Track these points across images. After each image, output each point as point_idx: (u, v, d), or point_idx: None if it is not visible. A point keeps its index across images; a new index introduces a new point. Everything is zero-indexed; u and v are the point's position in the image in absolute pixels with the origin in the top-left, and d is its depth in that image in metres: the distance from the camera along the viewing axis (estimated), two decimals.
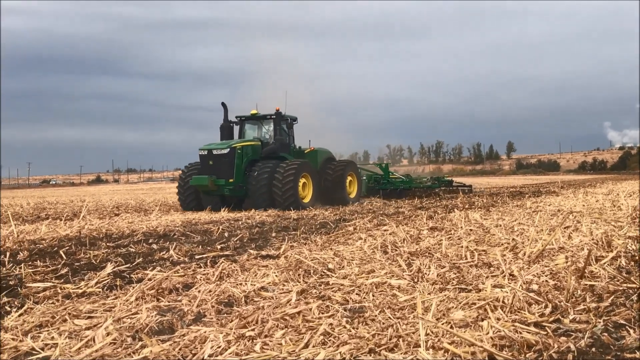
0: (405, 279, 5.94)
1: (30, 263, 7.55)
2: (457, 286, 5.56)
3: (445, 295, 5.13)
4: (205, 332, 4.27)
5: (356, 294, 5.37)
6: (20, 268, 7.09)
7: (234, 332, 4.24)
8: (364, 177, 24.91)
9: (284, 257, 7.57)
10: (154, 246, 9.24)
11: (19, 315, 4.95)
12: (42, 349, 4.04)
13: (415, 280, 5.93)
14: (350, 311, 4.78)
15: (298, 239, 9.67)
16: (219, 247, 8.94)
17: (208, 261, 7.48)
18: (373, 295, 5.29)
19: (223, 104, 20.35)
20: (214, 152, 18.91)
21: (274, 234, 10.69)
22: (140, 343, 4.10)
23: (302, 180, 19.11)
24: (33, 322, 4.69)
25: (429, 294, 5.29)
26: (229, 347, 3.96)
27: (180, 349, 3.97)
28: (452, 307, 4.78)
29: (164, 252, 8.42)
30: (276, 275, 6.29)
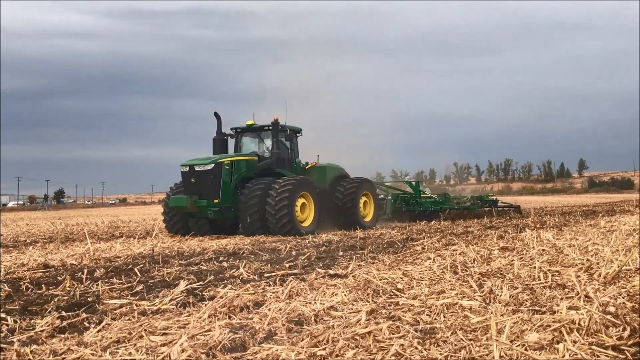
0: (477, 300, 5.85)
1: (106, 280, 7.81)
2: (530, 308, 5.44)
3: (518, 317, 5.02)
4: (277, 350, 4.32)
5: (427, 314, 5.32)
6: (97, 285, 7.34)
7: (305, 351, 4.27)
8: (389, 197, 22.63)
9: (352, 276, 7.57)
10: (224, 264, 9.40)
11: (98, 332, 5.11)
12: None
13: (487, 301, 5.83)
14: (421, 332, 4.75)
15: (365, 258, 9.66)
16: (287, 265, 9.02)
17: (277, 279, 7.55)
18: (444, 316, 5.23)
19: (216, 114, 18.05)
20: (197, 168, 16.27)
21: (341, 253, 10.71)
22: None
23: (301, 201, 16.47)
24: (111, 338, 4.84)
25: (502, 315, 5.19)
26: None
27: None
28: (526, 329, 4.68)
29: (234, 270, 8.55)
30: (345, 295, 6.29)
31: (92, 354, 4.39)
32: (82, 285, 7.41)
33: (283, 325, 5.11)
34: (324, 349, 4.33)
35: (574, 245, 9.85)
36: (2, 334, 5.08)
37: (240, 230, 16.95)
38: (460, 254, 9.37)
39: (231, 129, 18.35)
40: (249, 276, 8.05)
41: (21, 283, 7.57)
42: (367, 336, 4.60)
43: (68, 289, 7.20)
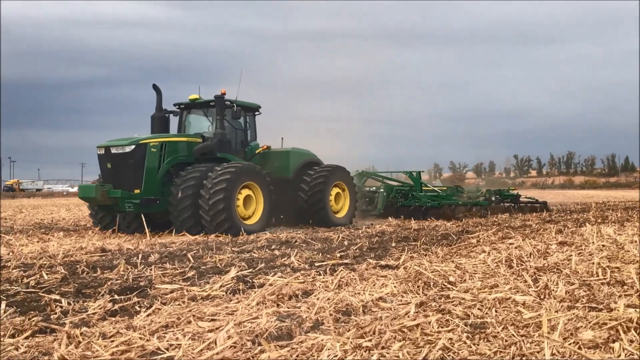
0: (531, 295, 5.68)
1: (160, 265, 7.92)
2: (586, 304, 5.24)
3: (573, 314, 4.85)
4: (322, 340, 4.27)
5: (478, 308, 5.19)
6: (151, 270, 7.45)
7: (351, 342, 4.22)
8: (381, 189, 19.59)
9: (404, 267, 7.48)
10: (276, 252, 9.43)
11: (147, 316, 5.18)
12: (167, 349, 4.20)
13: (542, 296, 5.65)
14: (471, 326, 4.63)
15: (418, 250, 9.54)
16: (338, 255, 8.98)
17: (327, 269, 7.52)
18: (496, 311, 5.09)
19: (155, 87, 15.08)
20: (113, 150, 13.18)
21: (393, 244, 10.60)
22: (259, 348, 4.16)
23: (246, 192, 13.53)
24: (160, 322, 4.89)
25: (556, 311, 5.02)
26: (346, 357, 3.94)
27: (297, 356, 4.00)
28: (581, 326, 4.50)
29: (285, 259, 8.57)
30: (395, 286, 6.22)
31: (140, 338, 4.44)
32: (136, 270, 7.53)
33: (330, 315, 5.07)
34: (370, 340, 4.27)
35: (635, 242, 9.49)
36: (56, 316, 5.21)
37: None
38: (516, 247, 9.14)
39: (174, 105, 15.58)
40: (300, 265, 8.04)
41: (78, 266, 7.76)
42: (414, 329, 4.52)
43: (122, 272, 7.33)
